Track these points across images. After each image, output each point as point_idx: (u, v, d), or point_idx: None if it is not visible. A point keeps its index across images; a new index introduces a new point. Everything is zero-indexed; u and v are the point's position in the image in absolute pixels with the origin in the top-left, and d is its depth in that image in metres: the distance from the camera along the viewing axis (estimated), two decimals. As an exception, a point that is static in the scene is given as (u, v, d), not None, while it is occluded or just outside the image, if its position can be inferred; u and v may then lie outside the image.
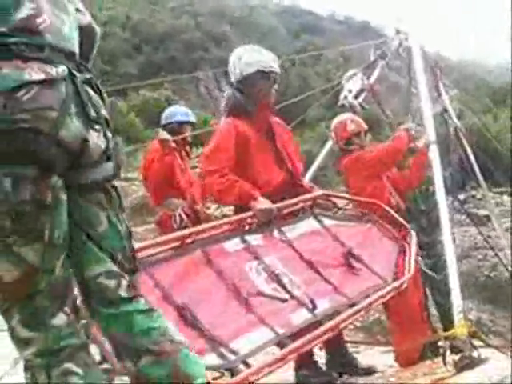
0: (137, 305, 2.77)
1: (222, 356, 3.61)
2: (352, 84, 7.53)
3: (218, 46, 42.48)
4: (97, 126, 2.64)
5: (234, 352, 3.66)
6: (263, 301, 4.12)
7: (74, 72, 2.61)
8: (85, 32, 2.92)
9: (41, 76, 2.46)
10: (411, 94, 7.76)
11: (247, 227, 4.68)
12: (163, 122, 7.34)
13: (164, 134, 6.93)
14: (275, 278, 4.31)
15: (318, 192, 5.30)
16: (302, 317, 4.17)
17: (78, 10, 2.90)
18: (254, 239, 4.56)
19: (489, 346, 5.69)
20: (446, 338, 5.56)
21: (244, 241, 4.48)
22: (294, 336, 3.99)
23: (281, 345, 3.92)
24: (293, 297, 4.26)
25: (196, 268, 4.05)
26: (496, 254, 9.46)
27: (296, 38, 47.40)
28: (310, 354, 5.30)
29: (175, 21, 44.77)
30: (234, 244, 4.41)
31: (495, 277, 11.06)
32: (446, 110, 7.73)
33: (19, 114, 2.40)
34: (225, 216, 10.96)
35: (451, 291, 5.54)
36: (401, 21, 8.15)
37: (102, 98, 2.77)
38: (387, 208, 5.58)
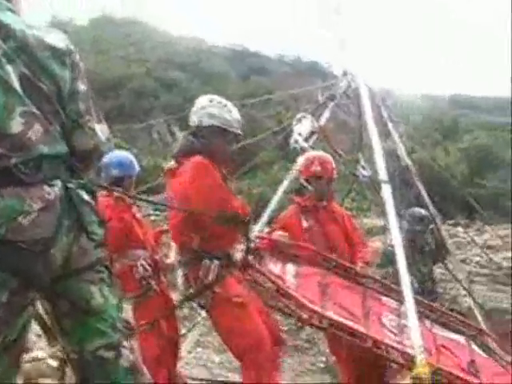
0: (138, 382, 2.91)
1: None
2: (302, 127, 7.53)
3: (169, 92, 42.59)
4: (90, 233, 2.87)
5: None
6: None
7: (69, 184, 2.83)
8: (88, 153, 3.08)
9: (39, 205, 2.68)
10: (362, 132, 7.82)
11: None
12: (103, 174, 6.94)
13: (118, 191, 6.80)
14: (399, 328, 5.78)
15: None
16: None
17: (90, 128, 3.07)
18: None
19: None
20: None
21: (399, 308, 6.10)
22: None
23: None
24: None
25: (357, 292, 6.13)
26: (462, 288, 9.51)
27: (245, 80, 47.70)
28: None
29: (124, 69, 44.81)
30: (390, 301, 6.26)
31: (456, 309, 11.09)
32: (395, 150, 7.81)
33: (19, 237, 2.64)
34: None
35: (411, 331, 5.50)
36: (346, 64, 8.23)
37: (94, 197, 2.99)
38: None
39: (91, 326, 2.85)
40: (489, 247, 22.08)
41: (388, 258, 7.61)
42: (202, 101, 5.54)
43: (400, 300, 6.07)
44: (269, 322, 5.46)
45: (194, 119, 5.49)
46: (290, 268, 5.98)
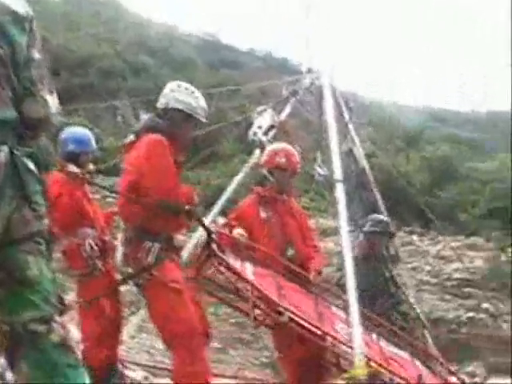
0: (66, 358, 2.85)
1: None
2: (262, 120, 7.54)
3: (137, 76, 42.29)
4: (32, 203, 2.82)
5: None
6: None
7: (15, 151, 2.77)
8: (38, 121, 3.01)
9: None
10: (322, 130, 7.83)
11: None
12: (60, 149, 7.00)
13: (72, 168, 6.77)
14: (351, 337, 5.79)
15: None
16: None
17: (42, 97, 3.01)
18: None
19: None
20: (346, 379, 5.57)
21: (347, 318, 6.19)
22: None
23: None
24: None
25: (310, 298, 6.27)
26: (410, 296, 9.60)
27: (215, 71, 47.53)
28: None
29: (94, 48, 44.39)
30: (341, 312, 6.41)
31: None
32: (351, 150, 7.83)
33: None
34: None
35: (352, 330, 5.55)
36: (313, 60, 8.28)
37: (40, 167, 2.91)
38: None
39: (24, 297, 2.82)
40: (441, 257, 22.39)
41: None
42: (172, 85, 5.68)
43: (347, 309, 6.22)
44: (198, 312, 5.47)
45: (161, 101, 5.62)
46: (249, 266, 6.02)
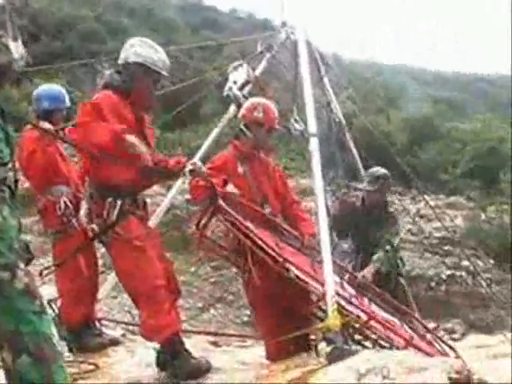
0: (31, 305, 2.87)
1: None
2: (237, 75, 7.47)
3: (116, 38, 41.87)
4: None
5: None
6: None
7: None
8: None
9: None
10: (298, 85, 7.78)
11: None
12: (34, 106, 7.13)
13: (45, 124, 6.76)
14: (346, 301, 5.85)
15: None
16: None
17: (3, 44, 2.99)
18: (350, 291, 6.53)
19: (367, 338, 5.76)
20: (319, 330, 5.59)
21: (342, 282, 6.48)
22: None
23: None
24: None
25: (305, 260, 6.16)
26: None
27: (196, 32, 47.13)
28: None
29: (74, 11, 43.83)
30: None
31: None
32: (328, 104, 7.79)
33: None
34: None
35: (325, 280, 5.56)
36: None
37: (3, 117, 2.94)
38: None
39: None
40: (421, 216, 22.56)
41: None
42: (132, 40, 5.65)
43: (341, 273, 6.44)
44: (167, 270, 5.52)
45: (121, 56, 5.59)
46: (250, 225, 5.99)
